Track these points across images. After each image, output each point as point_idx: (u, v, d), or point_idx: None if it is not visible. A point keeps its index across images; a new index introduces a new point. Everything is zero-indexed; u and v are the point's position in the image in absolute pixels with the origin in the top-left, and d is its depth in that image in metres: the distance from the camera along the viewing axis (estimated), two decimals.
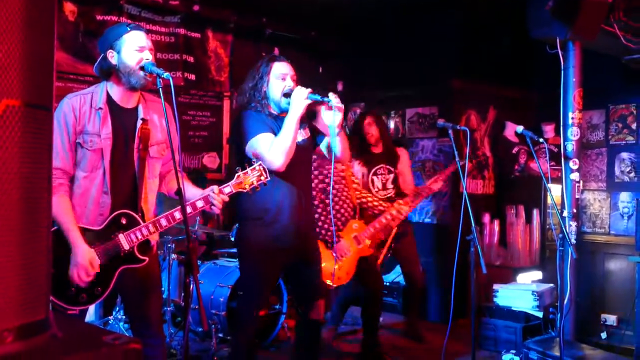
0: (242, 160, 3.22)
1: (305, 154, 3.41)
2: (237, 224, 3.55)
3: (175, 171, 2.45)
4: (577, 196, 4.59)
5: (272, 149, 3.08)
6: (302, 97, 3.11)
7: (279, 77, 3.28)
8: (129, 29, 2.79)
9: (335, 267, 4.16)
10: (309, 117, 3.45)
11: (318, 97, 3.13)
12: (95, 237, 2.70)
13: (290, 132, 3.08)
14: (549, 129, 6.37)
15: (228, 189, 2.89)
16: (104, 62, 2.80)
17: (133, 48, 2.76)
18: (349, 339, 5.42)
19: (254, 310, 3.33)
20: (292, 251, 3.32)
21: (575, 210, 4.56)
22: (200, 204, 2.82)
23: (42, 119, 1.28)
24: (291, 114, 3.11)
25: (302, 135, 3.36)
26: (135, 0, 5.72)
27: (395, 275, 6.38)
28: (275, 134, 3.16)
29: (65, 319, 2.30)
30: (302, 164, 3.35)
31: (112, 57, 2.77)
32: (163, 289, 4.86)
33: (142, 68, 2.72)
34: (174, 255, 4.93)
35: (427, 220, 6.47)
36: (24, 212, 1.24)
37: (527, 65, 6.65)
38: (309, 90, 3.14)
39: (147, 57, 2.77)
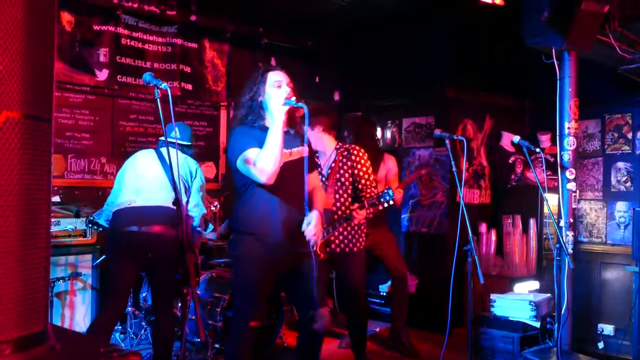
0: (237, 176, 3.29)
1: (300, 168, 3.33)
2: (232, 236, 3.55)
3: (174, 181, 2.46)
4: (573, 206, 4.60)
5: (258, 161, 3.08)
6: (279, 104, 3.09)
7: (275, 85, 3.27)
8: None
9: None
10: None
11: (293, 102, 3.10)
12: None
13: (274, 142, 3.06)
14: (545, 139, 6.39)
15: None
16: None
17: None
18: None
19: (247, 322, 3.32)
20: (284, 263, 3.32)
21: (572, 220, 4.57)
22: None
23: (42, 130, 1.28)
24: (273, 123, 3.09)
25: (301, 152, 3.34)
26: (132, 11, 5.73)
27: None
28: None
29: (64, 331, 2.29)
30: (296, 178, 3.27)
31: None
32: None
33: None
34: None
35: (424, 230, 6.47)
36: (24, 223, 1.24)
37: (522, 74, 6.68)
38: (285, 95, 3.13)
39: None
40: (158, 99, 2.63)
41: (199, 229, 4.23)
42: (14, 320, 1.23)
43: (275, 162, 3.07)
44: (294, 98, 3.14)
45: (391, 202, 4.22)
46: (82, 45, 5.47)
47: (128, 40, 5.75)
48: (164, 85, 2.64)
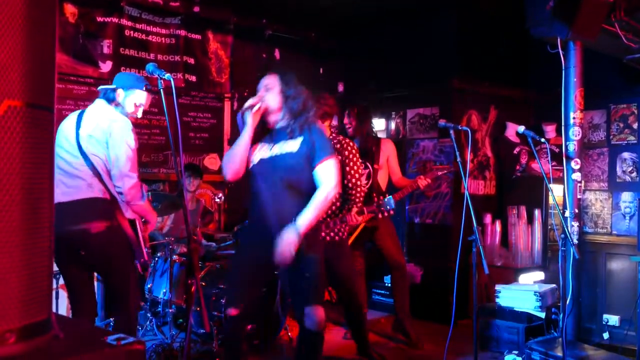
0: None
1: (287, 164, 3.27)
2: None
3: (177, 172, 2.47)
4: (578, 196, 4.58)
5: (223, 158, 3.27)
6: (248, 112, 3.27)
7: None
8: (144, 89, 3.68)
9: None
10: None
11: (249, 111, 3.28)
12: None
13: (236, 144, 3.27)
14: (550, 129, 6.36)
15: None
16: (111, 92, 3.67)
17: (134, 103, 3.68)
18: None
19: (227, 308, 3.36)
20: (265, 258, 3.23)
21: (577, 211, 4.55)
22: None
23: (43, 119, 1.27)
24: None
25: (288, 147, 3.28)
26: (135, 2, 5.73)
27: None
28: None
29: (68, 320, 2.29)
30: (280, 172, 3.25)
31: (119, 96, 3.65)
32: (165, 290, 4.88)
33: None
34: (175, 257, 4.92)
35: (428, 221, 6.46)
36: (26, 212, 1.23)
37: (527, 64, 6.65)
38: (248, 104, 3.27)
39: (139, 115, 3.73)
40: (161, 90, 2.63)
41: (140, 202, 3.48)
42: (18, 309, 1.23)
43: (230, 163, 3.26)
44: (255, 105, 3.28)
45: (392, 212, 4.44)
46: (86, 37, 5.47)
47: (131, 32, 5.74)
48: (167, 75, 2.63)
